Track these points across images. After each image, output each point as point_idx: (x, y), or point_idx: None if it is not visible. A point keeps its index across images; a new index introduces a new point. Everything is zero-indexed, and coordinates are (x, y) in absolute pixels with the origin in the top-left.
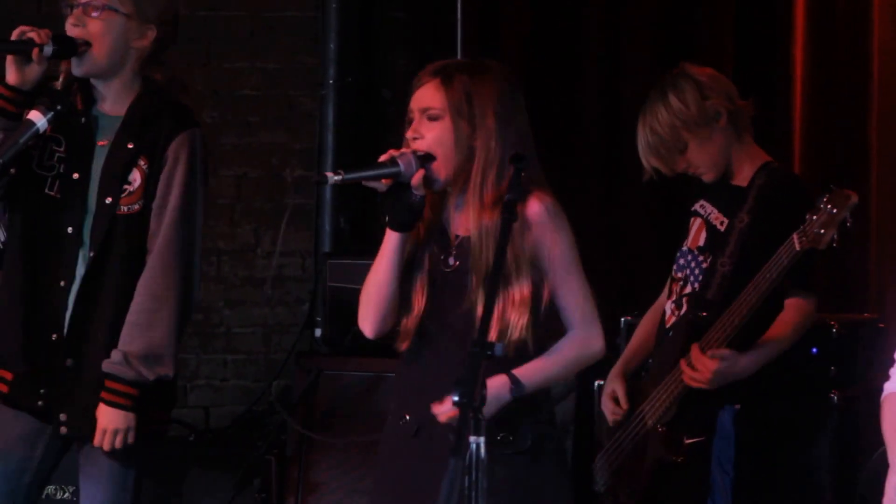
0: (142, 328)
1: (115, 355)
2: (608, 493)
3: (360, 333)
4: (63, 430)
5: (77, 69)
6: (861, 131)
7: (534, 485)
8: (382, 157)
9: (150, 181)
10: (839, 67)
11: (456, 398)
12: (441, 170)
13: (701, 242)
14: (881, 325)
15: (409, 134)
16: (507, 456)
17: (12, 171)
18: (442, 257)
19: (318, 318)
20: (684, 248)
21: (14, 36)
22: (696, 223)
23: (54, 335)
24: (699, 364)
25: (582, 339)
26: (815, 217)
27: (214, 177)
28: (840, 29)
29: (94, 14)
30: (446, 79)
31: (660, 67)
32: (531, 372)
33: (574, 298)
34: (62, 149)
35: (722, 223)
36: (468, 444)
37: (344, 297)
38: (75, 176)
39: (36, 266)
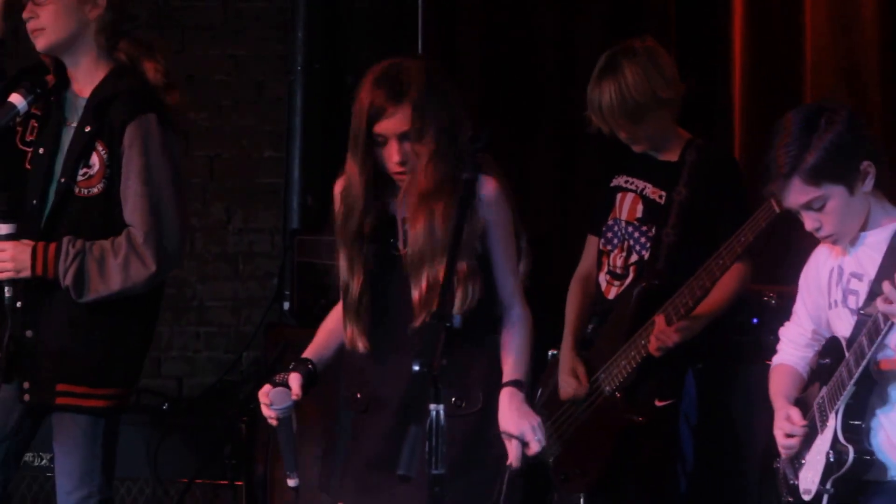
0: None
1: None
2: (560, 463)
3: (327, 307)
4: (27, 397)
5: (38, 47)
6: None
7: (486, 437)
8: None
9: (109, 166)
10: (775, 56)
11: (416, 367)
12: None
13: (639, 214)
14: None
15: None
16: (462, 415)
17: None
18: (391, 241)
19: (287, 292)
20: (612, 221)
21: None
22: (626, 197)
23: (17, 304)
24: (664, 336)
25: (527, 316)
26: None
27: (188, 157)
28: (775, 11)
29: (43, 2)
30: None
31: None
32: (521, 365)
33: (515, 276)
34: (37, 126)
35: (661, 196)
36: (428, 411)
37: (311, 271)
38: (41, 151)
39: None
